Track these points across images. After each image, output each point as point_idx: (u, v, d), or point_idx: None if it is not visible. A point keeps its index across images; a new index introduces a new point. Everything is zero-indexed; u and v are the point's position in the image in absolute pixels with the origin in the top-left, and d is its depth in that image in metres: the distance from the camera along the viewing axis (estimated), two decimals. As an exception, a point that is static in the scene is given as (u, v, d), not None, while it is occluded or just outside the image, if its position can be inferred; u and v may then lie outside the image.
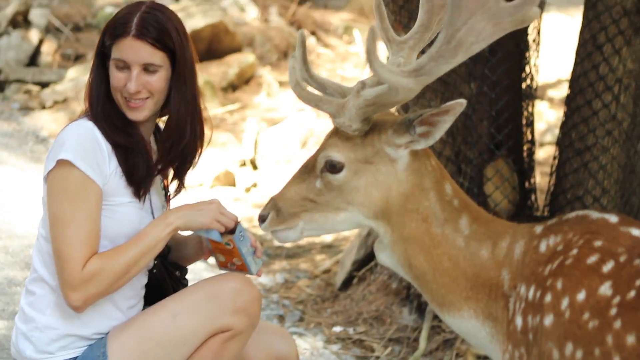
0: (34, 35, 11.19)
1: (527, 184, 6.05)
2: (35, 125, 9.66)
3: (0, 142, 8.85)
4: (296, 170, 3.28)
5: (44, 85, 10.60)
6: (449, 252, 3.09)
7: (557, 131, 6.67)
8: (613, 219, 2.90)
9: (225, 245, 3.40)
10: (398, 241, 3.15)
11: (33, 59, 11.06)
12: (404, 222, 3.13)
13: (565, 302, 2.75)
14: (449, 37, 2.91)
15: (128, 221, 3.35)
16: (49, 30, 11.51)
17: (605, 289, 2.70)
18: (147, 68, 3.31)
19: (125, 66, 3.29)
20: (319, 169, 3.17)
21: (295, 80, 3.19)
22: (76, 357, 3.37)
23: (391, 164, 3.12)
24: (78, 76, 10.48)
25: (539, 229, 3.03)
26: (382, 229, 3.17)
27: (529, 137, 6.12)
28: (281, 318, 6.14)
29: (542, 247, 2.95)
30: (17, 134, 9.32)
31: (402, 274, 3.22)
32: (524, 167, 6.04)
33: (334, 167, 3.14)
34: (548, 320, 2.77)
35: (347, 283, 6.42)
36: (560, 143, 5.82)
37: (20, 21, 11.40)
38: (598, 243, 2.81)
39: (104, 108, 3.33)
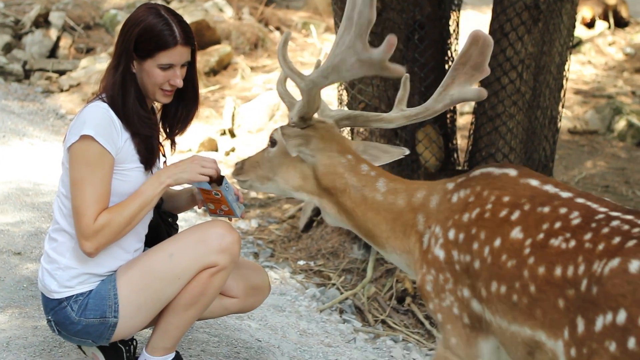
0: (53, 33, 11.06)
1: (450, 145, 6.05)
2: (55, 105, 9.54)
3: (27, 118, 8.71)
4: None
5: (61, 73, 10.50)
6: (370, 206, 3.15)
7: (473, 103, 6.66)
8: (512, 172, 2.85)
9: (214, 194, 3.40)
10: (328, 207, 3.25)
11: (52, 52, 10.94)
12: (328, 194, 3.23)
13: (487, 250, 2.73)
14: (330, 60, 3.01)
15: (135, 182, 3.31)
16: (65, 29, 11.36)
17: (516, 233, 2.68)
18: (184, 63, 3.32)
19: (170, 67, 3.27)
20: (269, 144, 3.35)
21: (280, 80, 3.38)
22: (91, 290, 3.33)
23: (305, 159, 3.26)
24: (89, 65, 10.42)
25: (450, 185, 3.01)
26: (310, 199, 3.29)
27: (451, 107, 6.10)
28: (256, 255, 6.12)
29: (454, 198, 2.93)
30: (40, 112, 9.18)
31: (345, 227, 3.31)
32: (448, 132, 6.04)
33: (272, 143, 3.32)
34: (476, 264, 2.75)
35: (308, 226, 6.40)
36: (476, 112, 5.84)
37: (42, 22, 11.26)
38: (506, 199, 2.78)
39: (134, 106, 3.28)
